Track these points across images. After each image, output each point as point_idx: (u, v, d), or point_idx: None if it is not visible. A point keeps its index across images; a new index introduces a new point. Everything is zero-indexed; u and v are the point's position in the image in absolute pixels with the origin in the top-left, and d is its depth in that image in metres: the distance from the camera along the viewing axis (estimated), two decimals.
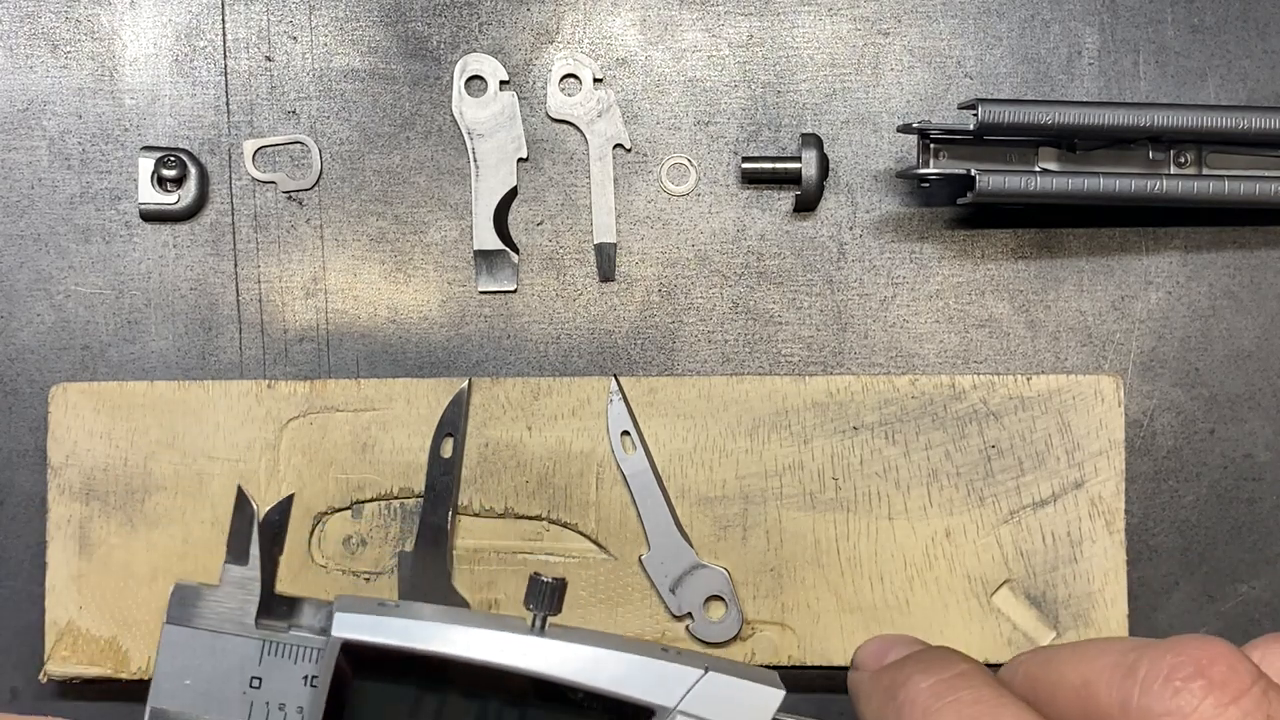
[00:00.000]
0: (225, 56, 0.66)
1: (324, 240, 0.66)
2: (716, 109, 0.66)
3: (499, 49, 0.66)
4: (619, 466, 0.63)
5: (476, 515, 0.63)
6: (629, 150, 0.66)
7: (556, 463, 0.63)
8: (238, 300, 0.66)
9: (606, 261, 0.66)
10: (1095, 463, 0.63)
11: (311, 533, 0.63)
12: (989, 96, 0.66)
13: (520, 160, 0.66)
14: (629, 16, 0.66)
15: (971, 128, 0.61)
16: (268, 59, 0.66)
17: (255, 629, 0.45)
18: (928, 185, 0.65)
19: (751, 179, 0.66)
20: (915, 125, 0.62)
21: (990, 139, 0.63)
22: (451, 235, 0.66)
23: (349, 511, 0.63)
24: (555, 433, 0.63)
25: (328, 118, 0.66)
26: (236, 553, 0.46)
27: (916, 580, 0.63)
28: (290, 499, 0.48)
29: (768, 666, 0.63)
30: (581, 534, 0.63)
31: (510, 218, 0.66)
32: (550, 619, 0.45)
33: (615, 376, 0.63)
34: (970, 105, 0.61)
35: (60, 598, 0.63)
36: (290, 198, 0.66)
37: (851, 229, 0.66)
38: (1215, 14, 0.67)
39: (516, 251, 0.66)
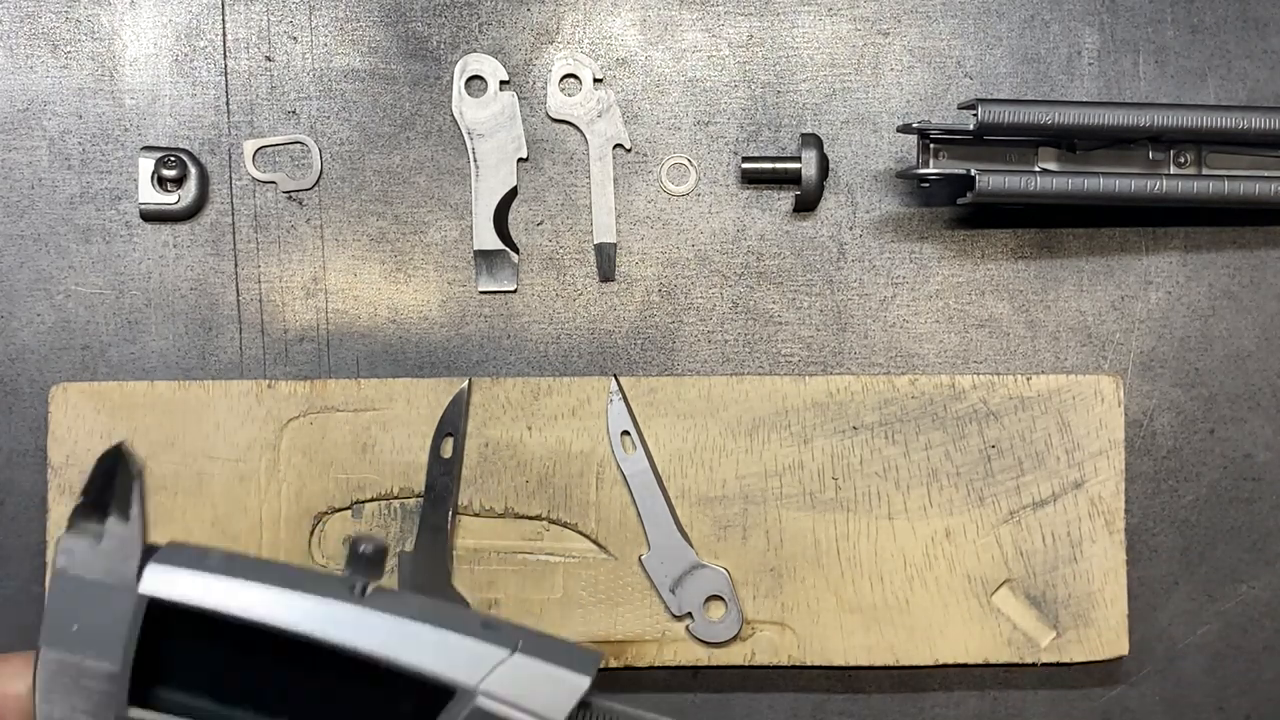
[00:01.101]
0: (225, 56, 0.66)
1: (324, 240, 0.66)
2: (716, 109, 0.66)
3: (499, 49, 0.66)
4: (619, 466, 0.63)
5: (476, 515, 0.63)
6: (629, 150, 0.66)
7: (556, 463, 0.63)
8: (238, 300, 0.66)
9: (606, 261, 0.66)
10: (1095, 463, 0.63)
11: (312, 533, 0.63)
12: (989, 97, 0.66)
13: (520, 160, 0.66)
14: (629, 16, 0.66)
15: (971, 128, 0.61)
16: (268, 59, 0.66)
17: (136, 582, 0.45)
18: (928, 185, 0.65)
19: (751, 179, 0.66)
20: (915, 125, 0.62)
21: (990, 139, 0.63)
22: (451, 235, 0.66)
23: (349, 511, 0.63)
24: (555, 433, 0.63)
25: (328, 118, 0.66)
26: (120, 509, 0.45)
27: (916, 580, 0.63)
28: (118, 447, 0.48)
29: (766, 667, 0.63)
30: (582, 534, 0.63)
31: (510, 218, 0.66)
32: (374, 585, 0.44)
33: (615, 376, 0.63)
34: (970, 105, 0.61)
35: None
36: (290, 198, 0.66)
37: (851, 229, 0.66)
38: (1215, 14, 0.67)
39: (516, 251, 0.66)
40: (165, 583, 0.44)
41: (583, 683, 0.44)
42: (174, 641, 0.44)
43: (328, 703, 0.44)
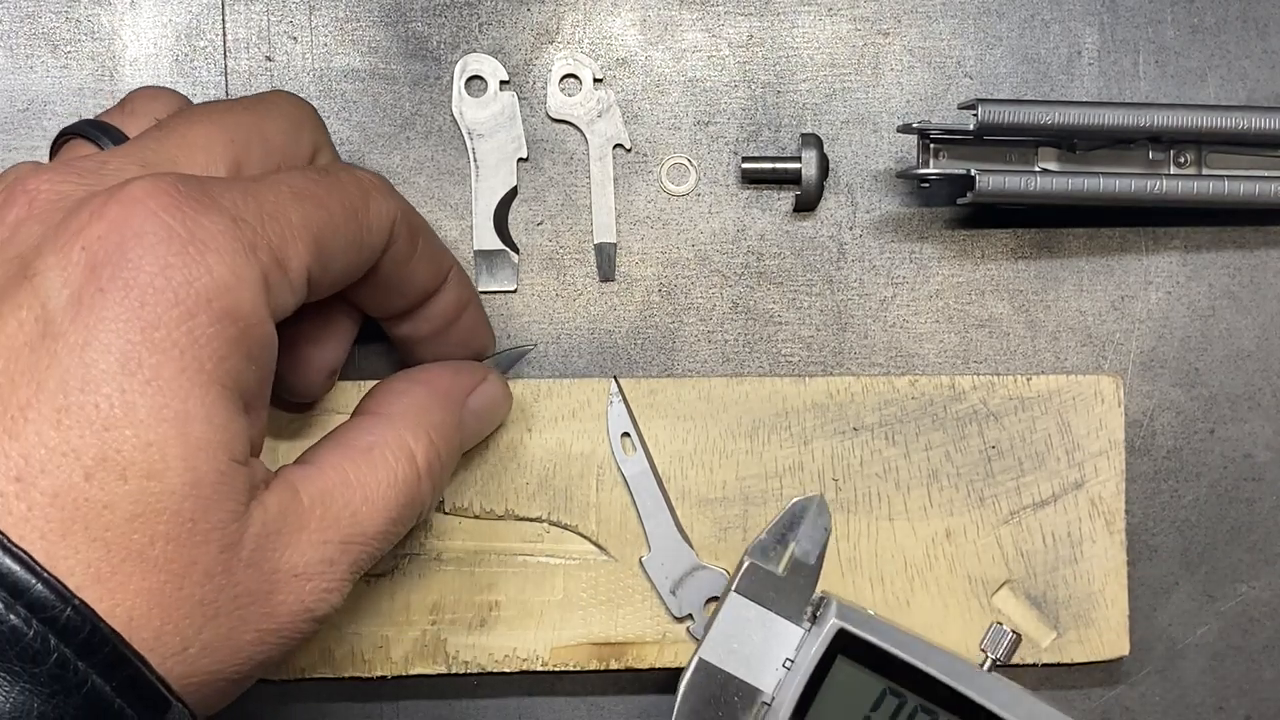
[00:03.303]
0: (225, 56, 0.66)
1: None
2: (716, 109, 0.66)
3: (499, 49, 0.66)
4: (619, 468, 0.63)
5: (477, 517, 0.63)
6: (629, 150, 0.66)
7: (557, 464, 0.63)
8: None
9: (606, 261, 0.66)
10: (1095, 463, 0.63)
11: None
12: (989, 96, 0.66)
13: (520, 160, 0.66)
14: (629, 16, 0.66)
15: (971, 128, 0.61)
16: (268, 59, 0.66)
17: (803, 620, 0.53)
18: (928, 185, 0.65)
19: (751, 179, 0.66)
20: (915, 125, 0.62)
21: (990, 139, 0.63)
22: (451, 235, 0.66)
23: None
24: (555, 434, 0.63)
25: (328, 118, 0.66)
26: (805, 550, 0.54)
27: (917, 581, 0.63)
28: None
29: None
30: (582, 535, 0.63)
31: (510, 218, 0.66)
32: (999, 665, 0.52)
33: (615, 378, 0.63)
34: (970, 105, 0.61)
35: None
36: None
37: (851, 229, 0.66)
38: (1215, 14, 0.67)
39: (516, 251, 0.66)
40: (848, 620, 0.52)
41: None
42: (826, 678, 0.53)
43: None
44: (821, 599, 0.53)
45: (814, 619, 0.53)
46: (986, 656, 0.53)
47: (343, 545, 0.46)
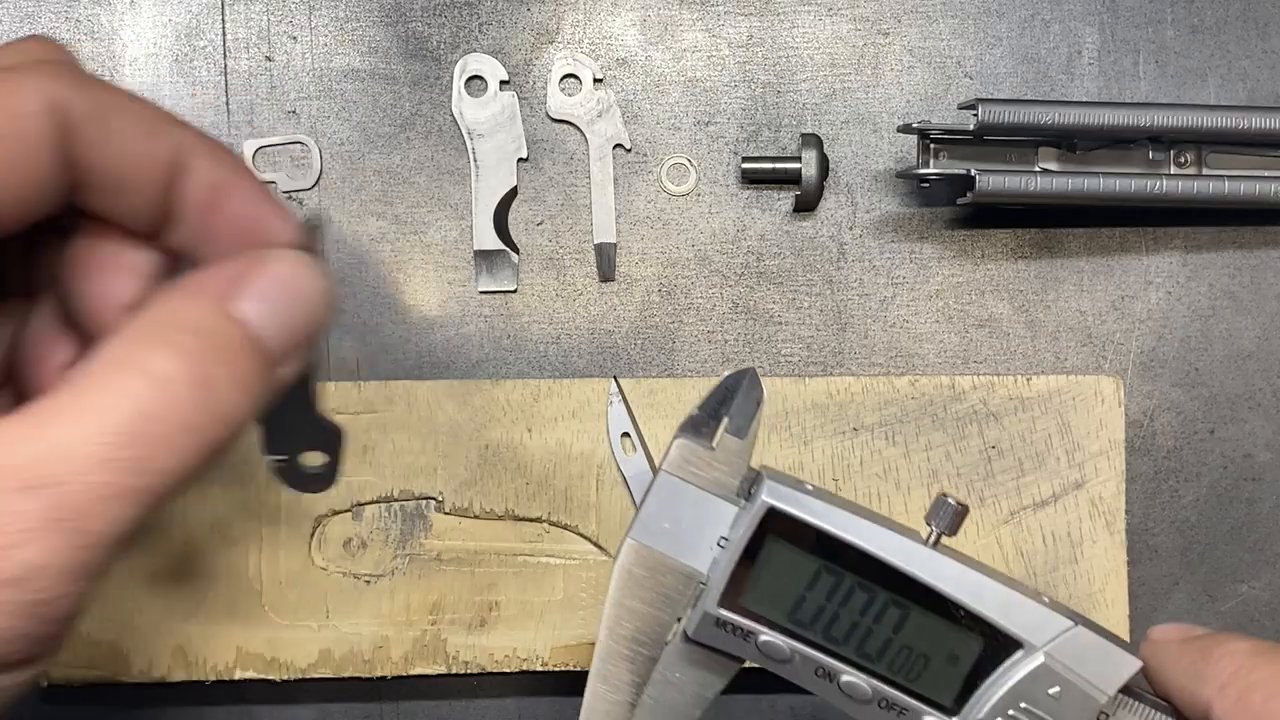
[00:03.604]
0: (225, 56, 0.66)
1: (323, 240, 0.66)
2: (716, 109, 0.66)
3: (499, 49, 0.66)
4: (619, 468, 0.63)
5: (477, 518, 0.63)
6: (629, 150, 0.66)
7: (557, 464, 0.63)
8: None
9: (606, 261, 0.66)
10: (1095, 463, 0.63)
11: (312, 535, 0.63)
12: (989, 96, 0.66)
13: (520, 160, 0.66)
14: (629, 16, 0.66)
15: (971, 128, 0.61)
16: (268, 59, 0.66)
17: (736, 497, 0.49)
18: (928, 185, 0.65)
19: (751, 179, 0.66)
20: (915, 125, 0.62)
21: (990, 139, 0.63)
22: (451, 235, 0.66)
23: (349, 514, 0.63)
24: (555, 434, 0.63)
25: (328, 118, 0.66)
26: (738, 426, 0.50)
27: None
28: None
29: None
30: (582, 535, 0.63)
31: (510, 218, 0.66)
32: (944, 539, 0.49)
33: (615, 378, 0.63)
34: (970, 105, 0.61)
35: None
36: (290, 198, 0.66)
37: (851, 229, 0.66)
38: (1215, 14, 0.67)
39: (516, 251, 0.66)
40: (779, 497, 0.48)
41: (1134, 664, 0.47)
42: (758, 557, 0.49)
43: (891, 635, 0.49)
44: (755, 475, 0.50)
45: (748, 495, 0.49)
46: (932, 530, 0.50)
47: (21, 491, 0.36)
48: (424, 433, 0.63)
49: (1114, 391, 0.64)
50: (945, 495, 0.49)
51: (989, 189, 0.61)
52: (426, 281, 0.66)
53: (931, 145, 0.63)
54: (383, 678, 0.63)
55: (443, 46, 0.66)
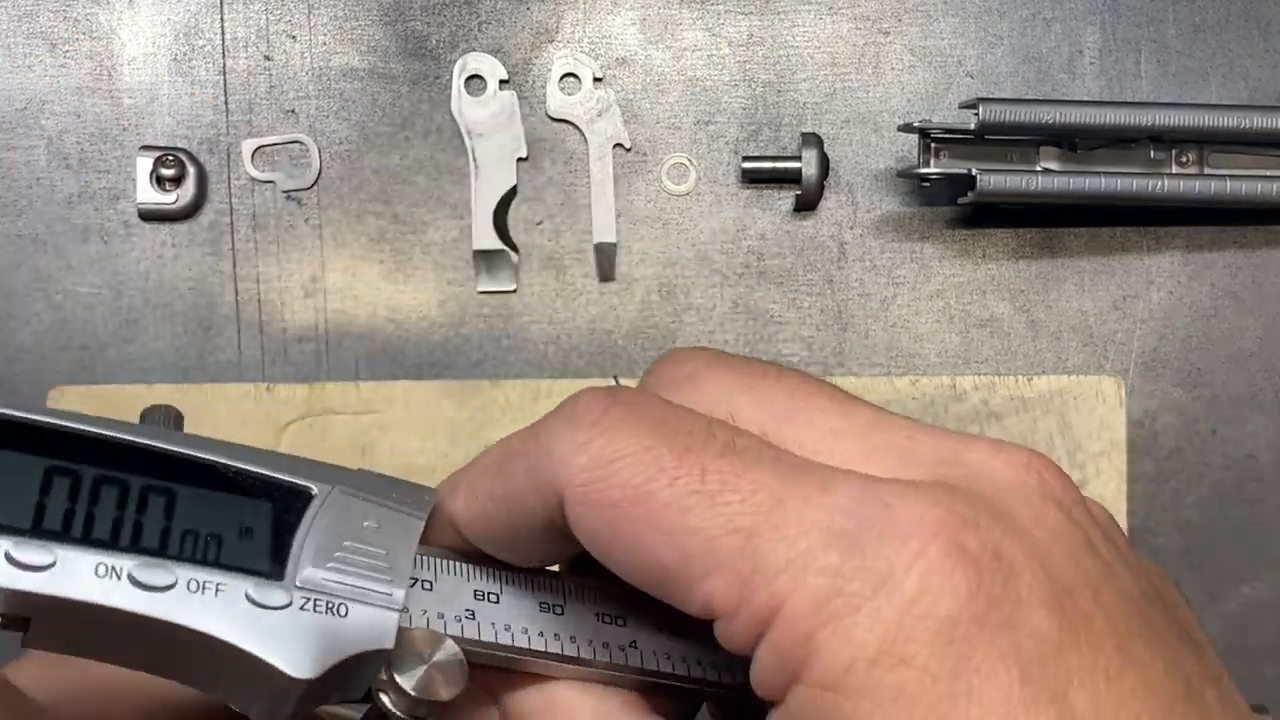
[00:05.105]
0: (224, 55, 0.66)
1: (323, 240, 0.66)
2: (716, 109, 0.66)
3: (499, 48, 0.66)
4: None
5: None
6: (629, 150, 0.66)
7: None
8: (236, 300, 0.65)
9: (606, 261, 0.66)
10: (1097, 463, 0.63)
11: None
12: (990, 96, 0.66)
13: (520, 160, 0.66)
14: (629, 16, 0.66)
15: (972, 127, 0.61)
16: (266, 58, 0.66)
17: None
18: (928, 185, 0.64)
19: (751, 179, 0.66)
20: (916, 125, 0.62)
21: (991, 138, 0.63)
22: (451, 235, 0.66)
23: None
24: None
25: (327, 117, 0.66)
26: None
27: None
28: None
29: None
30: None
31: (510, 217, 0.66)
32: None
33: (615, 378, 0.63)
34: (971, 104, 0.61)
35: None
36: (289, 197, 0.66)
37: (852, 229, 0.66)
38: (1217, 13, 0.66)
39: (516, 251, 0.65)
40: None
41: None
42: None
43: (166, 522, 0.41)
44: None
45: None
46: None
47: None
48: (424, 433, 0.63)
49: (1115, 392, 0.64)
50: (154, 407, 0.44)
51: (990, 188, 0.61)
52: (426, 281, 0.66)
53: (932, 144, 0.63)
54: None
55: (442, 45, 0.66)
